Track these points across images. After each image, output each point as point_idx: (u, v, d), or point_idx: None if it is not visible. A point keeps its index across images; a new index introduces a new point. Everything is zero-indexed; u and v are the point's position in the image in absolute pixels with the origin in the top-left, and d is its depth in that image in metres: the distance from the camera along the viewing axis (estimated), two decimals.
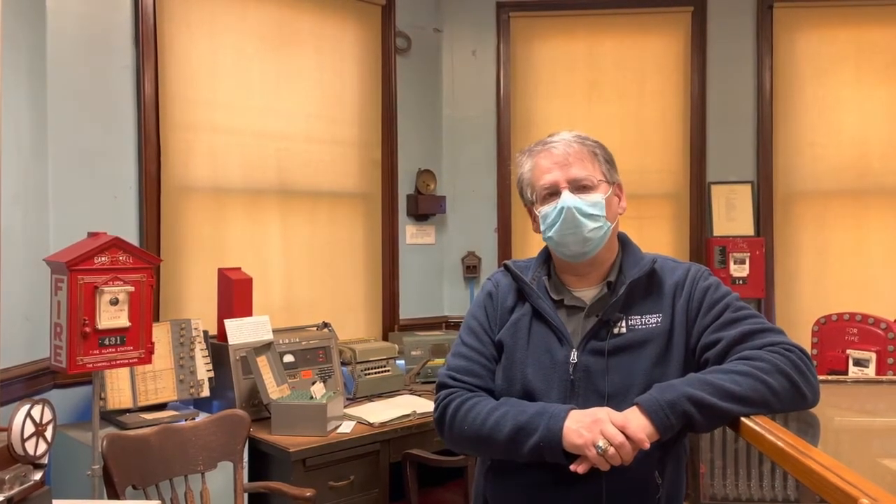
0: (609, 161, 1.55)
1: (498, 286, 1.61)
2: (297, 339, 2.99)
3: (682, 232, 3.88)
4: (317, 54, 3.47)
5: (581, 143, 1.53)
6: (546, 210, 1.51)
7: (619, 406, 1.35)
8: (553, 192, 1.50)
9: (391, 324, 3.72)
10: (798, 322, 3.59)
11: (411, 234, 3.83)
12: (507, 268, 1.61)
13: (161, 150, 2.92)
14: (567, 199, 1.47)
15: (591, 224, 1.47)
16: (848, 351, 2.70)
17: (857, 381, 1.96)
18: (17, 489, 1.32)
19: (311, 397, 2.64)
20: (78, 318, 2.02)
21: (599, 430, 1.29)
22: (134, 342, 2.14)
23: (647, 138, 3.89)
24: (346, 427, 2.65)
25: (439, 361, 3.39)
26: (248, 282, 2.91)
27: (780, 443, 1.09)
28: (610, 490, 1.40)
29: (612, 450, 1.27)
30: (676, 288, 1.49)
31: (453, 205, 3.95)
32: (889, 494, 0.84)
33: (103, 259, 2.08)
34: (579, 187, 1.49)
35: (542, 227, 1.52)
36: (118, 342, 2.11)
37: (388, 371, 3.20)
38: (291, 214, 3.38)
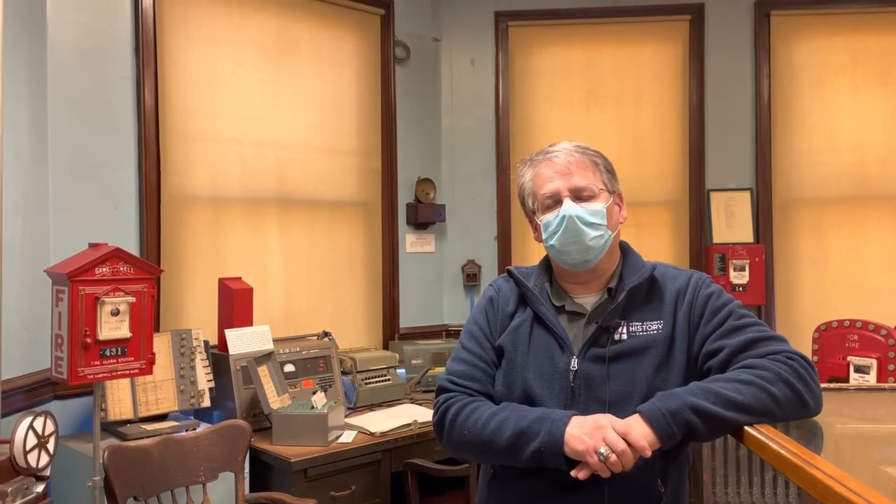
0: (610, 171, 1.56)
1: (499, 291, 1.61)
2: (298, 349, 2.99)
3: (681, 239, 3.89)
4: (316, 63, 3.48)
5: (582, 153, 1.54)
6: (548, 218, 1.51)
7: (621, 413, 1.35)
8: (555, 201, 1.51)
9: (391, 333, 3.72)
10: (798, 329, 3.60)
11: (411, 242, 3.84)
12: (510, 273, 1.62)
13: (161, 159, 2.92)
14: (569, 207, 1.48)
15: (592, 233, 1.47)
16: (849, 358, 2.69)
17: (858, 389, 1.97)
18: (19, 502, 1.32)
19: (312, 407, 2.64)
20: (79, 329, 2.02)
21: (601, 436, 1.29)
22: (135, 353, 2.13)
23: (646, 146, 3.90)
24: (347, 437, 2.65)
25: (440, 370, 3.39)
26: (248, 291, 2.91)
27: (784, 452, 1.09)
28: (612, 498, 1.39)
29: (613, 457, 1.27)
30: (678, 295, 1.49)
31: (453, 213, 3.96)
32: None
33: (104, 270, 2.08)
34: (581, 196, 1.50)
35: (543, 236, 1.52)
36: (119, 353, 2.10)
37: (389, 380, 3.20)
38: (291, 224, 3.39)
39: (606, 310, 1.48)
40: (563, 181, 1.50)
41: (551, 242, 1.50)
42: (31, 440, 1.46)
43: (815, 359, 2.79)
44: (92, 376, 2.06)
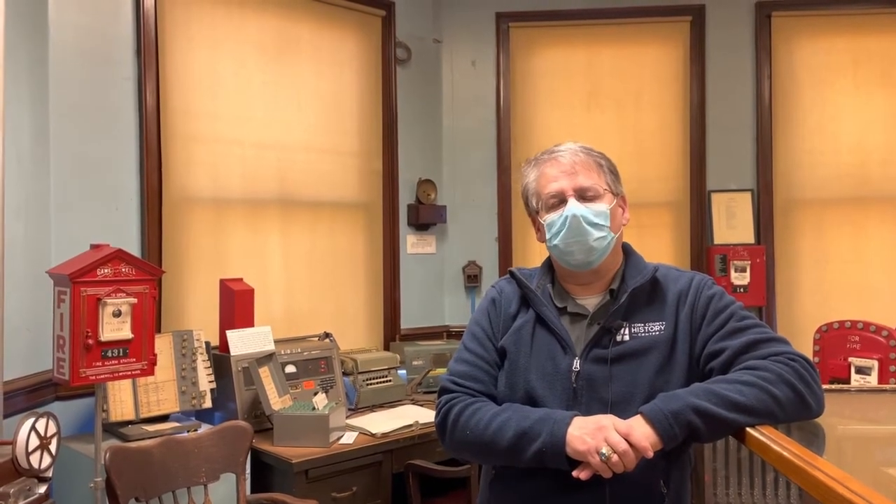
0: (613, 173, 1.56)
1: (501, 293, 1.61)
2: (299, 350, 2.99)
3: (682, 240, 3.89)
4: (317, 65, 3.49)
5: (587, 154, 1.54)
6: (552, 218, 1.51)
7: (623, 414, 1.35)
8: (559, 200, 1.51)
9: (392, 334, 3.72)
10: (799, 330, 3.60)
11: (412, 243, 3.84)
12: (512, 274, 1.62)
13: (162, 161, 2.92)
14: (573, 207, 1.48)
15: (596, 233, 1.47)
16: (850, 359, 2.69)
17: (860, 390, 1.96)
18: (21, 503, 1.32)
19: (314, 408, 2.64)
20: (81, 330, 2.02)
21: (603, 437, 1.29)
22: (136, 354, 2.14)
23: (647, 147, 3.90)
24: (349, 438, 2.65)
25: (441, 371, 3.39)
26: (249, 292, 2.91)
27: (786, 453, 1.09)
28: (614, 498, 1.40)
29: (615, 457, 1.27)
30: (680, 296, 1.49)
31: (454, 214, 3.96)
32: None
33: (106, 271, 2.08)
34: (585, 196, 1.50)
35: (547, 236, 1.52)
36: (121, 354, 2.10)
37: (390, 381, 3.20)
38: (292, 225, 3.39)
39: (609, 311, 1.48)
40: (568, 181, 1.50)
41: (555, 242, 1.50)
42: (34, 441, 1.47)
43: (817, 360, 2.79)
44: (93, 377, 2.06)
